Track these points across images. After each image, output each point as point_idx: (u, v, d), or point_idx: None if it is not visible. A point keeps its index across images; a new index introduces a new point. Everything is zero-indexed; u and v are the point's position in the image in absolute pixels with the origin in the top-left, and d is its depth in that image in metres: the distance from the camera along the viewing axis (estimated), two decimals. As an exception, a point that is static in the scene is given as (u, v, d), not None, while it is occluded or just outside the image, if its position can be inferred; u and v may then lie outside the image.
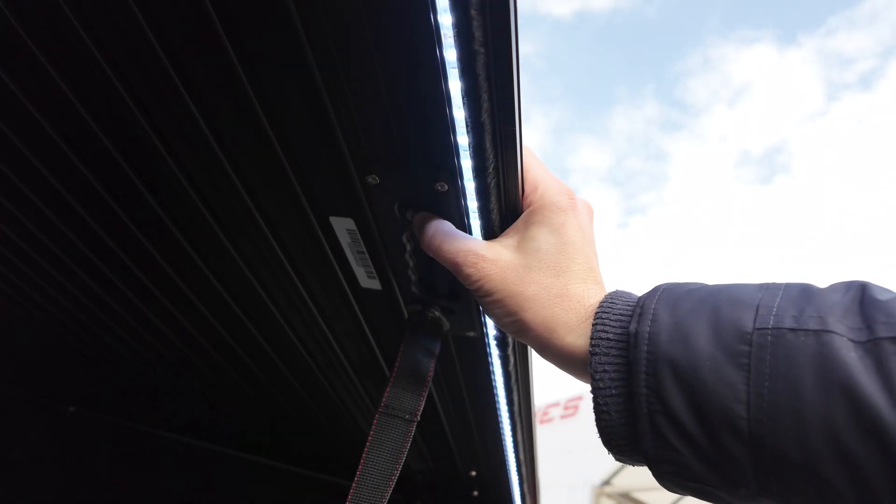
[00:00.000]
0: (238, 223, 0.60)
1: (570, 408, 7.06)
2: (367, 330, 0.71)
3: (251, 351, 0.89)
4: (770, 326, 0.31)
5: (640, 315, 0.36)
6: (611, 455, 0.38)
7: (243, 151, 0.50)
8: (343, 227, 0.55)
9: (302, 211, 0.55)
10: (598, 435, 0.38)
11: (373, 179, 0.47)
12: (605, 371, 0.37)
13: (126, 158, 0.56)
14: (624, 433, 0.36)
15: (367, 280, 0.62)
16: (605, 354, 0.37)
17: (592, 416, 0.38)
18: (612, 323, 0.38)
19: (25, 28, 0.45)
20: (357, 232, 0.55)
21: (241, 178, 0.54)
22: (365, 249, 0.57)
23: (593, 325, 0.38)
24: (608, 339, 0.37)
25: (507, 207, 0.46)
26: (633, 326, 0.36)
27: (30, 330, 1.06)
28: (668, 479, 0.34)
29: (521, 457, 0.78)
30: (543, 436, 7.11)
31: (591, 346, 0.37)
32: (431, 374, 0.50)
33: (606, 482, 5.66)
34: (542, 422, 7.40)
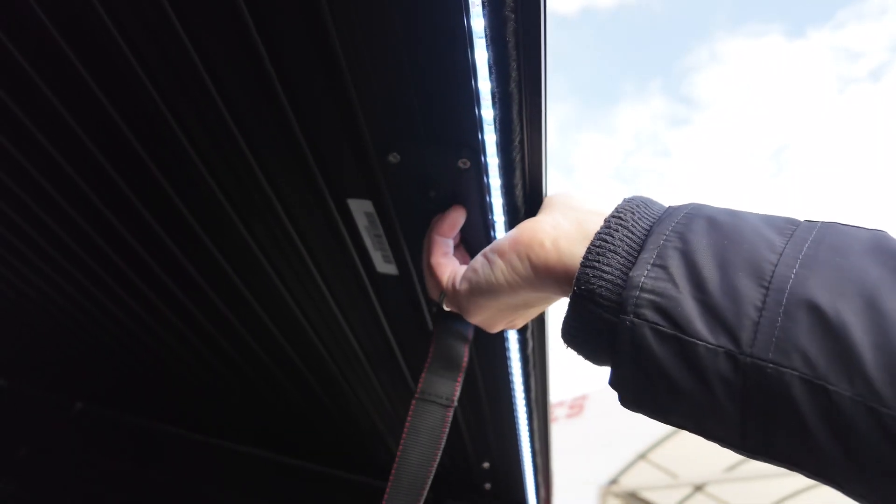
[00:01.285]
0: (252, 206, 0.60)
1: (576, 407, 7.04)
2: (381, 318, 0.71)
3: (264, 343, 0.88)
4: (821, 221, 0.31)
5: (678, 206, 0.36)
6: (576, 286, 0.34)
7: (259, 130, 0.50)
8: (361, 209, 0.55)
9: (319, 194, 0.54)
10: (586, 269, 0.34)
11: (394, 158, 0.46)
12: (630, 211, 0.35)
13: (139, 140, 0.56)
14: (616, 262, 0.33)
15: (384, 265, 0.61)
16: (632, 212, 0.35)
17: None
18: (641, 202, 0.37)
19: (51, 19, 0.45)
20: (375, 214, 0.54)
21: (257, 159, 0.53)
22: (383, 233, 0.56)
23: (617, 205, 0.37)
24: (638, 204, 0.36)
25: (530, 185, 0.45)
26: (670, 206, 0.36)
27: (36, 323, 1.05)
28: (643, 310, 0.31)
29: (537, 446, 0.77)
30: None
31: (617, 206, 0.37)
32: (466, 359, 0.49)
33: (613, 481, 5.65)
34: (546, 421, 7.37)
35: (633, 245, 0.34)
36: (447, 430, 0.47)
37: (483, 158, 0.44)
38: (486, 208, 0.48)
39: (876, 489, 0.27)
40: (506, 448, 0.82)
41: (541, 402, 0.69)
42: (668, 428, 5.78)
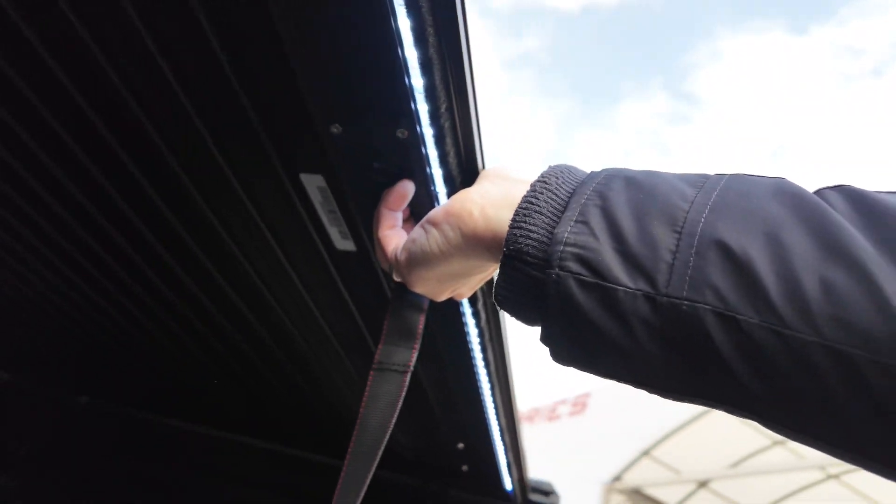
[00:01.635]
0: (215, 188, 0.61)
1: (578, 405, 7.04)
2: (346, 296, 0.72)
3: (252, 341, 0.89)
4: (729, 174, 0.34)
5: (599, 171, 0.38)
6: (505, 248, 0.37)
7: (212, 107, 0.51)
8: (314, 184, 0.56)
9: (273, 170, 0.56)
10: (515, 229, 0.36)
11: (336, 129, 0.47)
12: (555, 176, 0.38)
13: (110, 130, 0.57)
14: (541, 221, 0.36)
15: (342, 241, 0.63)
16: (557, 177, 0.38)
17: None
18: (565, 168, 0.39)
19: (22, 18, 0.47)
20: (328, 189, 0.56)
21: (212, 136, 0.55)
22: (337, 208, 0.58)
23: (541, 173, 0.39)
24: (562, 170, 0.39)
25: (465, 154, 0.47)
26: (592, 171, 0.38)
27: (39, 317, 1.06)
28: (567, 262, 0.33)
29: (503, 423, 0.79)
30: (552, 434, 7.09)
31: (542, 173, 0.39)
32: (422, 326, 0.51)
33: (617, 478, 5.64)
34: (550, 419, 7.38)
35: (558, 206, 0.37)
36: (404, 392, 0.49)
37: (419, 128, 0.45)
38: (427, 179, 0.49)
39: (791, 412, 0.29)
40: (476, 426, 0.83)
41: (501, 375, 0.70)
42: (672, 425, 5.76)
